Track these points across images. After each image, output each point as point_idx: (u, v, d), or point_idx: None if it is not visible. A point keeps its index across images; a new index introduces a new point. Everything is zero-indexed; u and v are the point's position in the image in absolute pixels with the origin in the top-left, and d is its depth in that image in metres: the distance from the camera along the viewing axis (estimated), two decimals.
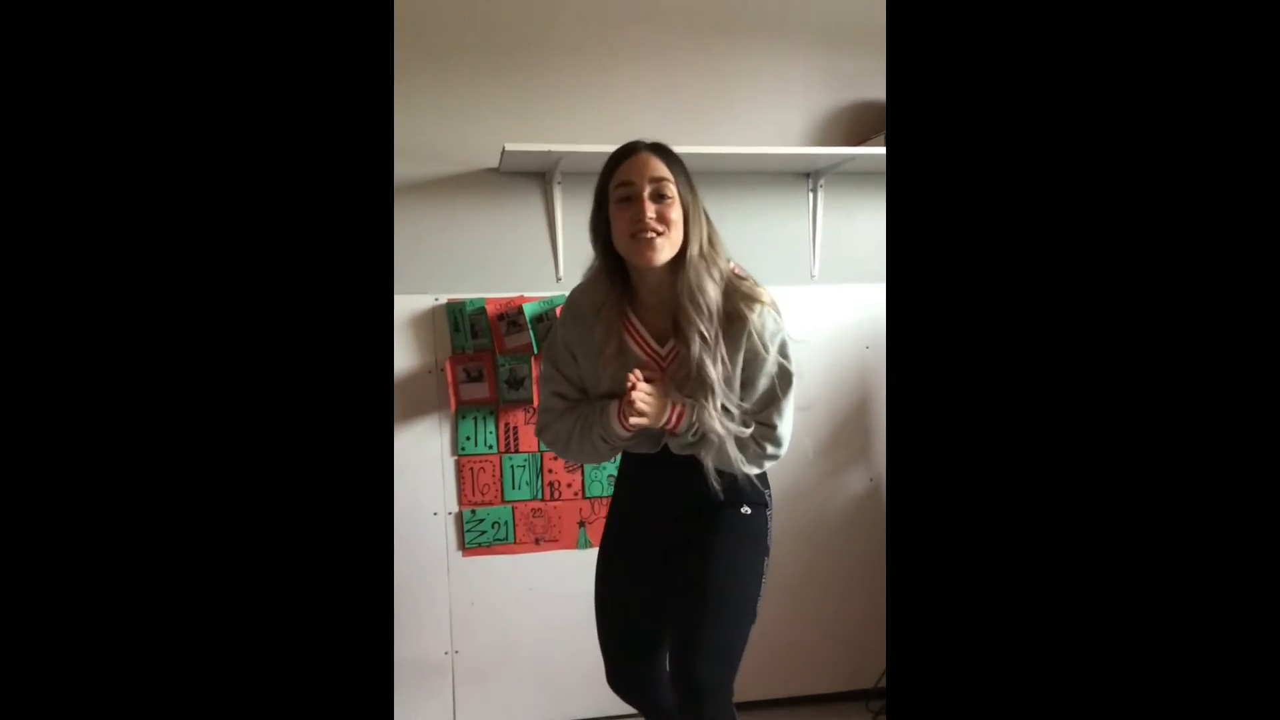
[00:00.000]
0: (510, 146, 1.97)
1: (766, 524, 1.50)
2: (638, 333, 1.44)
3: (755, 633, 1.46)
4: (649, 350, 1.43)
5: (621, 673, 1.58)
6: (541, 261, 2.20)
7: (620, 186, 1.37)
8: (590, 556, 2.19)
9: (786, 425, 1.45)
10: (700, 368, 1.36)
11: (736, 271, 1.44)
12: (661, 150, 1.40)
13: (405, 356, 2.13)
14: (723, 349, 1.37)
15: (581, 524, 2.22)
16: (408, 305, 2.12)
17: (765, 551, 1.49)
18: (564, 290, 2.17)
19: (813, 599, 2.33)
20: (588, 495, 2.21)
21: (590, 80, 2.18)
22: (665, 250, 1.35)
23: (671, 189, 1.35)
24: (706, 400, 1.37)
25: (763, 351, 1.38)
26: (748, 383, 1.41)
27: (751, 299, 1.39)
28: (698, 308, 1.35)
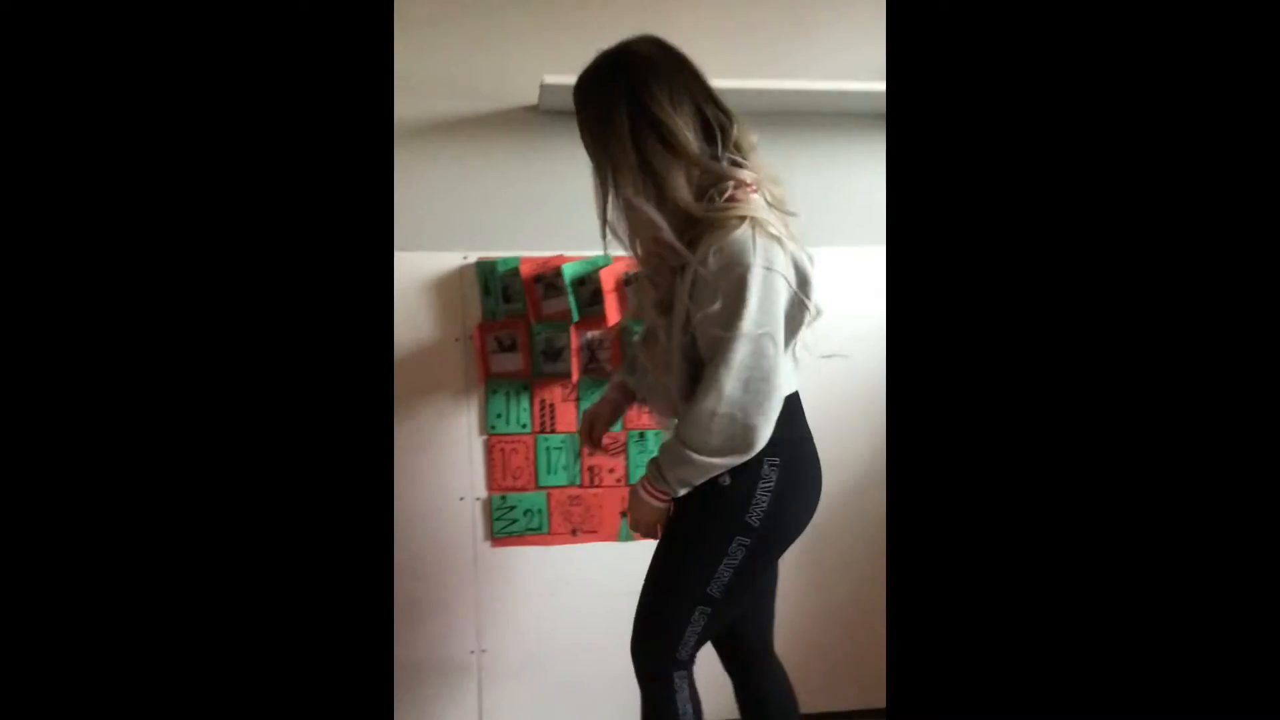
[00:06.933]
0: (550, 80, 1.72)
1: (750, 497, 1.24)
2: None
3: None
4: None
5: None
6: (585, 215, 1.94)
7: None
8: (632, 549, 2.01)
9: (710, 403, 1.17)
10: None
11: (727, 195, 1.22)
12: (576, 87, 1.30)
13: (428, 323, 1.91)
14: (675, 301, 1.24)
15: (624, 514, 1.99)
16: (431, 264, 1.90)
17: (740, 529, 1.25)
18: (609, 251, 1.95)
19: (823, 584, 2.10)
20: (631, 482, 1.98)
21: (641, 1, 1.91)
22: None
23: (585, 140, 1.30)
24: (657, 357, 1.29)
25: (690, 299, 1.20)
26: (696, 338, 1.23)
27: (715, 227, 1.19)
28: (645, 262, 1.30)
